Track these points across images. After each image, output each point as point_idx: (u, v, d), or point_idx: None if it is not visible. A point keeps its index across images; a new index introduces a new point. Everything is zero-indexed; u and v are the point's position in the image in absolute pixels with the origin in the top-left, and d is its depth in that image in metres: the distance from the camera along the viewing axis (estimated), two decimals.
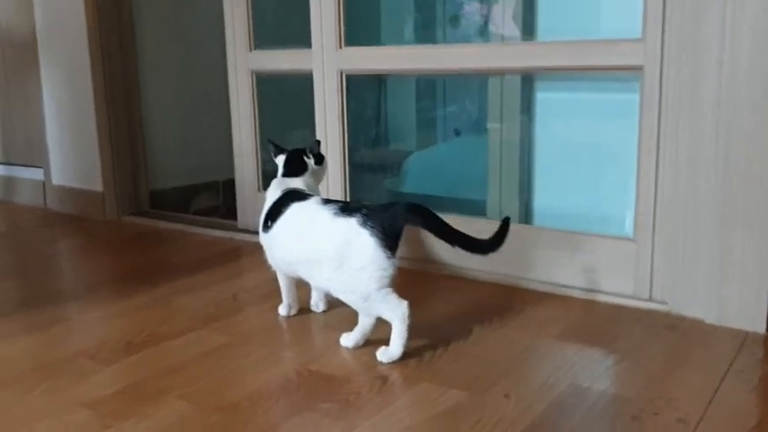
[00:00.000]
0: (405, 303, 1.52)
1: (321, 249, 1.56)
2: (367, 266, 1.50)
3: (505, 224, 1.58)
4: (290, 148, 1.82)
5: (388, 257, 1.50)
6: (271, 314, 1.84)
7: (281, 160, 1.82)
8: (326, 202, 1.63)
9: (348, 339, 1.62)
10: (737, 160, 1.63)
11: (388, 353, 1.53)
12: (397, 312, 1.52)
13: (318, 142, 1.84)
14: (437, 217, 1.54)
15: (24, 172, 3.35)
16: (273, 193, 1.74)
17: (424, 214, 1.54)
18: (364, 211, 1.53)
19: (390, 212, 1.52)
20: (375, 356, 1.54)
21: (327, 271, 1.55)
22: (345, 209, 1.56)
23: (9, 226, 3.00)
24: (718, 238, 1.68)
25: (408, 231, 2.21)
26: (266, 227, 1.71)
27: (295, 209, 1.66)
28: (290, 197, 1.69)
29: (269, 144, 1.85)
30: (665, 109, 1.75)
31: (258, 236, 1.78)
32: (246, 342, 1.67)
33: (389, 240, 1.50)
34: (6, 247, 2.66)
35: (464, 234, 1.54)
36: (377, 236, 1.50)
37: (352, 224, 1.52)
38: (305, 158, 1.80)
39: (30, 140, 3.28)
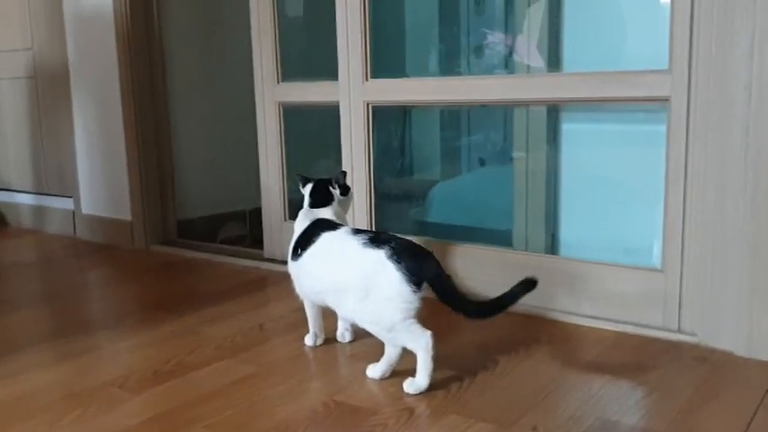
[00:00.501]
0: (428, 333, 1.52)
1: (349, 279, 1.57)
2: (392, 298, 1.51)
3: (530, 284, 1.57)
4: (316, 178, 1.84)
5: (414, 291, 1.50)
6: (297, 344, 1.84)
7: (307, 190, 1.83)
8: (356, 232, 1.64)
9: (374, 370, 1.62)
10: (767, 188, 1.62)
11: (415, 384, 1.53)
12: (420, 342, 1.52)
13: (344, 173, 1.86)
14: (453, 290, 1.54)
15: (55, 201, 3.41)
16: (302, 223, 1.76)
17: (442, 287, 1.53)
18: (393, 243, 1.54)
19: (417, 261, 1.52)
20: (402, 387, 1.54)
21: (353, 301, 1.56)
22: (375, 240, 1.57)
23: (40, 255, 3.05)
24: (747, 268, 1.67)
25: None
26: (296, 255, 1.72)
27: (325, 238, 1.67)
28: (320, 226, 1.71)
29: (296, 176, 1.87)
30: (692, 139, 1.74)
31: (286, 265, 1.79)
32: (273, 372, 1.68)
33: (415, 276, 1.51)
34: (37, 275, 2.70)
35: (476, 302, 1.57)
36: (402, 270, 1.50)
37: (380, 256, 1.53)
38: (330, 189, 1.82)
39: (61, 170, 3.34)
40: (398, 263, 1.51)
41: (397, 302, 1.51)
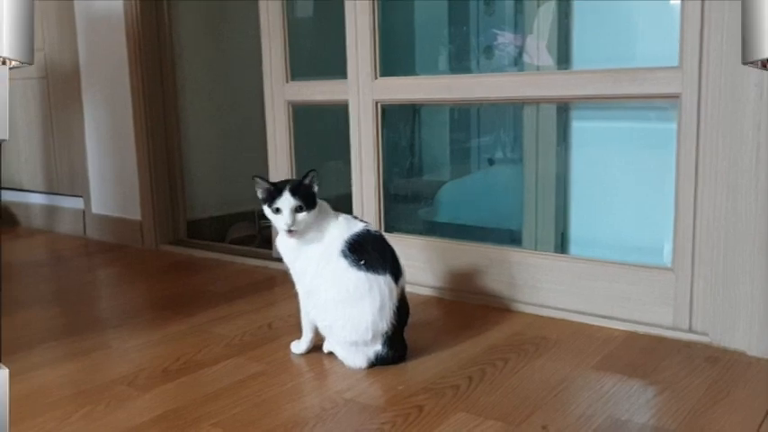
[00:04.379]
0: None
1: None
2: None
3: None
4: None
5: None
6: None
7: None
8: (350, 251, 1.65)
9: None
10: None
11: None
12: None
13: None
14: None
15: (66, 201, 3.42)
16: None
17: None
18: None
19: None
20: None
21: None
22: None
23: (50, 254, 3.06)
24: (759, 266, 1.65)
25: (446, 262, 2.20)
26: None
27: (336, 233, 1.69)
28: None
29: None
30: (703, 136, 1.73)
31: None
32: (282, 370, 1.68)
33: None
34: (48, 275, 2.71)
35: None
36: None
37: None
38: None
39: (72, 170, 3.35)
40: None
41: None
